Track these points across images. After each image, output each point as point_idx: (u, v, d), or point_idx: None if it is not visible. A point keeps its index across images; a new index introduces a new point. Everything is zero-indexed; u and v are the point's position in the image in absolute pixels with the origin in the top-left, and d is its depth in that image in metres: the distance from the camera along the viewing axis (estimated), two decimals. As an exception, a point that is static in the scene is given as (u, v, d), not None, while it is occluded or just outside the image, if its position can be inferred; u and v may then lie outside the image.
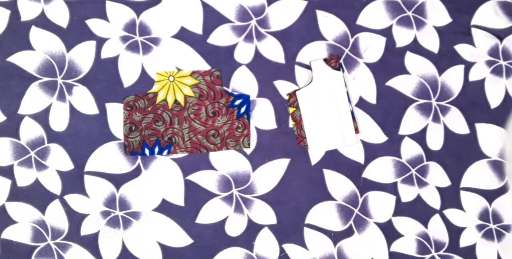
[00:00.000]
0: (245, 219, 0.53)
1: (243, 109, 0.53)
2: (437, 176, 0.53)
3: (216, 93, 0.53)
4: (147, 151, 0.52)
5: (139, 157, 0.53)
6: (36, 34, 0.53)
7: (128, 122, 0.51)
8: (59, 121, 0.53)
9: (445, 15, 0.55)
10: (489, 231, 0.53)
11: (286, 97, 0.52)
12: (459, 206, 0.53)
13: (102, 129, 0.53)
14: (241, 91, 0.53)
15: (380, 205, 0.53)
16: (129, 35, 0.53)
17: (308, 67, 0.54)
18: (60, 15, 0.54)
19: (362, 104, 0.54)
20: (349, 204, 0.53)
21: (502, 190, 0.53)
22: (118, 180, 0.53)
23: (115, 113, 0.53)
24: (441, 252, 0.53)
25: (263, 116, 0.53)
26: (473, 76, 0.54)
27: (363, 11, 0.55)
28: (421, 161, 0.53)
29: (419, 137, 0.53)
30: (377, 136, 0.53)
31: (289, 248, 0.52)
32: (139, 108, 0.52)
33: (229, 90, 0.53)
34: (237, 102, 0.53)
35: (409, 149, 0.53)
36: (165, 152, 0.52)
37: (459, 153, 0.54)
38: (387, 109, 0.54)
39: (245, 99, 0.53)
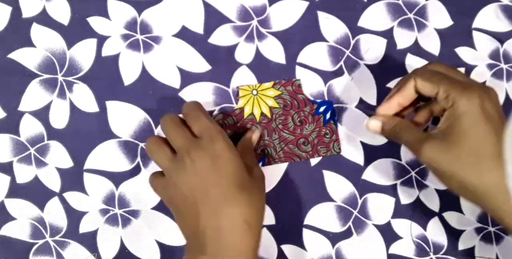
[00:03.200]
0: (244, 219, 0.53)
1: (328, 115, 0.53)
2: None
3: (299, 102, 0.53)
4: None
5: (138, 155, 0.53)
6: (37, 31, 0.54)
7: None
8: (59, 118, 0.53)
9: (446, 18, 0.55)
10: (488, 234, 0.53)
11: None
12: (458, 209, 0.53)
13: (102, 127, 0.53)
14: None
15: (379, 207, 0.53)
16: (130, 33, 0.54)
17: (308, 67, 0.54)
18: (62, 13, 0.54)
19: (362, 105, 0.54)
20: (348, 206, 0.53)
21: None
22: (117, 178, 0.53)
23: (115, 111, 0.53)
24: (439, 255, 0.53)
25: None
26: (474, 79, 0.54)
27: (365, 13, 0.55)
28: (420, 163, 0.53)
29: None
30: (377, 138, 0.53)
31: (288, 249, 0.52)
32: (229, 125, 0.52)
33: (230, 89, 0.53)
34: (322, 109, 0.53)
35: (409, 151, 0.53)
36: (260, 164, 0.52)
37: (459, 155, 0.53)
38: (387, 110, 0.54)
39: (329, 105, 0.53)
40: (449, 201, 0.53)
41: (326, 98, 0.53)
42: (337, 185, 0.53)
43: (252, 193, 0.43)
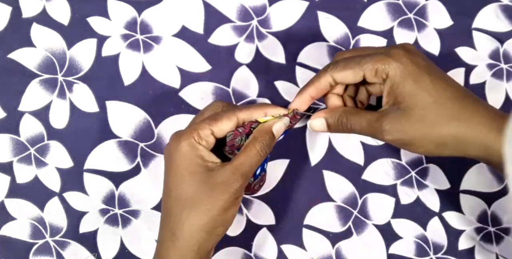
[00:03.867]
0: (244, 219, 0.53)
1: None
2: (437, 178, 0.53)
3: None
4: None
5: (138, 155, 0.53)
6: (37, 31, 0.54)
7: None
8: (59, 118, 0.53)
9: (446, 18, 0.55)
10: (488, 234, 0.53)
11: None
12: (458, 209, 0.53)
13: (102, 127, 0.53)
14: (241, 91, 0.53)
15: (379, 207, 0.53)
16: (130, 33, 0.54)
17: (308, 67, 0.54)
18: (62, 13, 0.54)
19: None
20: (348, 206, 0.53)
21: (501, 193, 0.53)
22: (117, 178, 0.53)
23: (115, 111, 0.53)
24: (439, 255, 0.53)
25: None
26: (474, 79, 0.54)
27: (365, 13, 0.55)
28: (421, 163, 0.53)
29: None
30: (377, 137, 0.53)
31: (288, 248, 0.52)
32: None
33: (230, 89, 0.53)
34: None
35: (409, 152, 0.53)
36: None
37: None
38: (387, 110, 0.53)
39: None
40: (449, 201, 0.53)
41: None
42: (337, 185, 0.53)
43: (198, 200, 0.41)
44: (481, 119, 0.39)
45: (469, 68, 0.54)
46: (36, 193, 0.53)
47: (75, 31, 0.54)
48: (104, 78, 0.53)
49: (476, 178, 0.53)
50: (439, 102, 0.39)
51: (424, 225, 0.53)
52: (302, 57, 0.54)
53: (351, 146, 0.53)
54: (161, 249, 0.43)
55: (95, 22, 0.54)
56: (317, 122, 0.45)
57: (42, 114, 0.53)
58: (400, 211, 0.53)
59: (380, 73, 0.40)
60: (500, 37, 0.55)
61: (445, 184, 0.53)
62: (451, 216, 0.53)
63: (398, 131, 0.40)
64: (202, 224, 0.41)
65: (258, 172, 0.47)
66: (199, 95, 0.53)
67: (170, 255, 0.41)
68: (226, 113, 0.43)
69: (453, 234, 0.53)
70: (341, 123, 0.43)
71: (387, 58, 0.40)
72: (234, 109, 0.44)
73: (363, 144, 0.53)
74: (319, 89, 0.44)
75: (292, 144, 0.53)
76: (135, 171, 0.53)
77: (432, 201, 0.53)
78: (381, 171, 0.53)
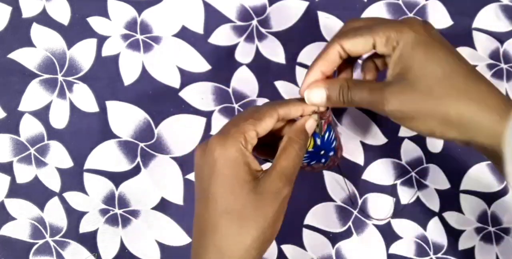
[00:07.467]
0: (244, 219, 0.53)
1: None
2: (437, 178, 0.53)
3: None
4: None
5: (138, 155, 0.53)
6: (37, 31, 0.54)
7: None
8: (59, 118, 0.53)
9: (446, 18, 0.55)
10: (488, 234, 0.53)
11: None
12: (458, 209, 0.53)
13: (102, 127, 0.53)
14: (241, 91, 0.53)
15: (379, 207, 0.53)
16: (130, 33, 0.54)
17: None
18: (62, 13, 0.54)
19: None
20: (348, 206, 0.53)
21: (502, 193, 0.53)
22: (117, 178, 0.53)
23: (115, 111, 0.53)
24: (439, 255, 0.53)
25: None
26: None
27: (365, 13, 0.55)
28: (421, 163, 0.53)
29: (419, 139, 0.53)
30: (377, 138, 0.53)
31: (288, 249, 0.52)
32: None
33: (230, 89, 0.53)
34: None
35: (409, 151, 0.53)
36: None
37: (459, 155, 0.54)
38: (387, 110, 0.53)
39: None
40: (449, 201, 0.53)
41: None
42: (337, 185, 0.53)
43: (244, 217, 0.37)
44: (493, 103, 0.35)
45: (469, 68, 0.54)
46: (36, 193, 0.53)
47: (75, 31, 0.54)
48: (104, 78, 0.53)
49: (476, 178, 0.53)
50: (450, 76, 0.36)
51: (424, 225, 0.53)
52: (302, 57, 0.54)
53: (351, 146, 0.53)
54: None
55: (95, 22, 0.54)
56: (316, 93, 0.40)
57: (42, 114, 0.53)
58: (400, 211, 0.53)
59: (391, 41, 0.37)
60: (500, 37, 0.55)
61: (445, 184, 0.53)
62: (451, 216, 0.53)
63: (401, 101, 0.36)
64: (253, 240, 0.36)
65: (323, 159, 0.45)
66: (199, 95, 0.53)
67: None
68: (268, 110, 0.39)
69: (453, 234, 0.53)
70: (342, 93, 0.39)
71: (401, 25, 0.37)
72: (274, 105, 0.40)
73: (363, 144, 0.53)
74: (328, 61, 0.39)
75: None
76: (135, 171, 0.53)
77: (432, 201, 0.53)
78: (381, 171, 0.53)
